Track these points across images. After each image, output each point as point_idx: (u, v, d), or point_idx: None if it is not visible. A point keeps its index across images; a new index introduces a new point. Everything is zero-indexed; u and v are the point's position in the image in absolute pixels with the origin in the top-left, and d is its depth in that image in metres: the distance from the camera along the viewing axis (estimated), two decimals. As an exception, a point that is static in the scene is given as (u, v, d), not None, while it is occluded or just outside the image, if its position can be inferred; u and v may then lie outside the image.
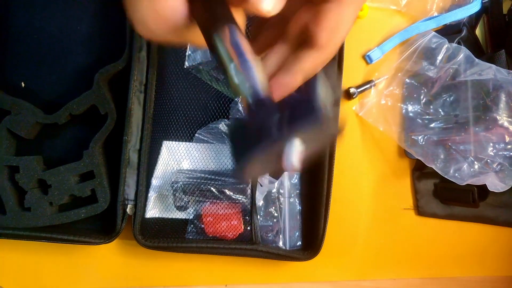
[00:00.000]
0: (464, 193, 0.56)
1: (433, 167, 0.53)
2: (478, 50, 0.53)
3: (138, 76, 0.50)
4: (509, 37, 0.56)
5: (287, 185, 0.54)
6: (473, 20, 0.58)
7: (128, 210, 0.50)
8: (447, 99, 0.54)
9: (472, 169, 0.51)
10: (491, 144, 0.50)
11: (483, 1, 0.57)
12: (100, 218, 0.51)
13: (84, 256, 0.54)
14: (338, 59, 0.52)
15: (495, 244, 0.62)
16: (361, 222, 0.58)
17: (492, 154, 0.50)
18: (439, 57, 0.54)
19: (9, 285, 0.53)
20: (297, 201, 0.55)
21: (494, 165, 0.50)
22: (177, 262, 0.55)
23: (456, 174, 0.52)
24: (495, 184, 0.50)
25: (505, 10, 0.57)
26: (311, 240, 0.53)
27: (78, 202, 0.50)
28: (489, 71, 0.50)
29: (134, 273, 0.54)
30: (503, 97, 0.50)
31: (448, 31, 0.56)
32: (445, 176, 0.52)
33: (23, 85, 0.51)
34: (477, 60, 0.51)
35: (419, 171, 0.59)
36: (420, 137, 0.55)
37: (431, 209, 0.59)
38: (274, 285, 0.57)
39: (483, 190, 0.56)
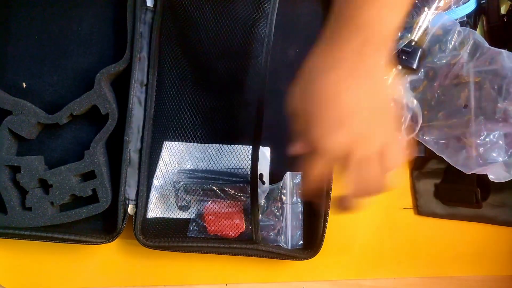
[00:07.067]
0: (467, 194, 0.56)
1: (443, 156, 0.53)
2: (478, 50, 0.53)
3: (138, 76, 0.50)
4: (510, 38, 0.56)
5: (290, 185, 0.55)
6: (472, 20, 0.58)
7: (129, 209, 0.50)
8: (457, 90, 0.53)
9: (481, 160, 0.50)
10: (502, 134, 0.50)
11: (481, 1, 0.57)
12: (101, 218, 0.51)
13: (85, 255, 0.54)
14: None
15: (494, 243, 0.62)
16: (360, 221, 0.59)
17: (502, 143, 0.50)
18: (451, 43, 0.53)
19: (10, 285, 0.53)
20: (300, 201, 0.55)
21: (506, 157, 0.50)
22: (177, 261, 0.55)
23: (464, 163, 0.52)
24: (497, 173, 0.50)
25: (503, 10, 0.57)
26: (311, 239, 0.53)
27: (79, 202, 0.50)
28: (499, 58, 0.49)
29: (135, 272, 0.54)
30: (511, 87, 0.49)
31: (448, 31, 0.56)
32: (454, 165, 0.52)
33: (24, 85, 0.51)
34: (487, 46, 0.51)
35: (418, 170, 0.59)
36: (430, 130, 0.55)
37: (430, 209, 0.60)
38: (274, 284, 0.57)
39: (485, 190, 0.56)
